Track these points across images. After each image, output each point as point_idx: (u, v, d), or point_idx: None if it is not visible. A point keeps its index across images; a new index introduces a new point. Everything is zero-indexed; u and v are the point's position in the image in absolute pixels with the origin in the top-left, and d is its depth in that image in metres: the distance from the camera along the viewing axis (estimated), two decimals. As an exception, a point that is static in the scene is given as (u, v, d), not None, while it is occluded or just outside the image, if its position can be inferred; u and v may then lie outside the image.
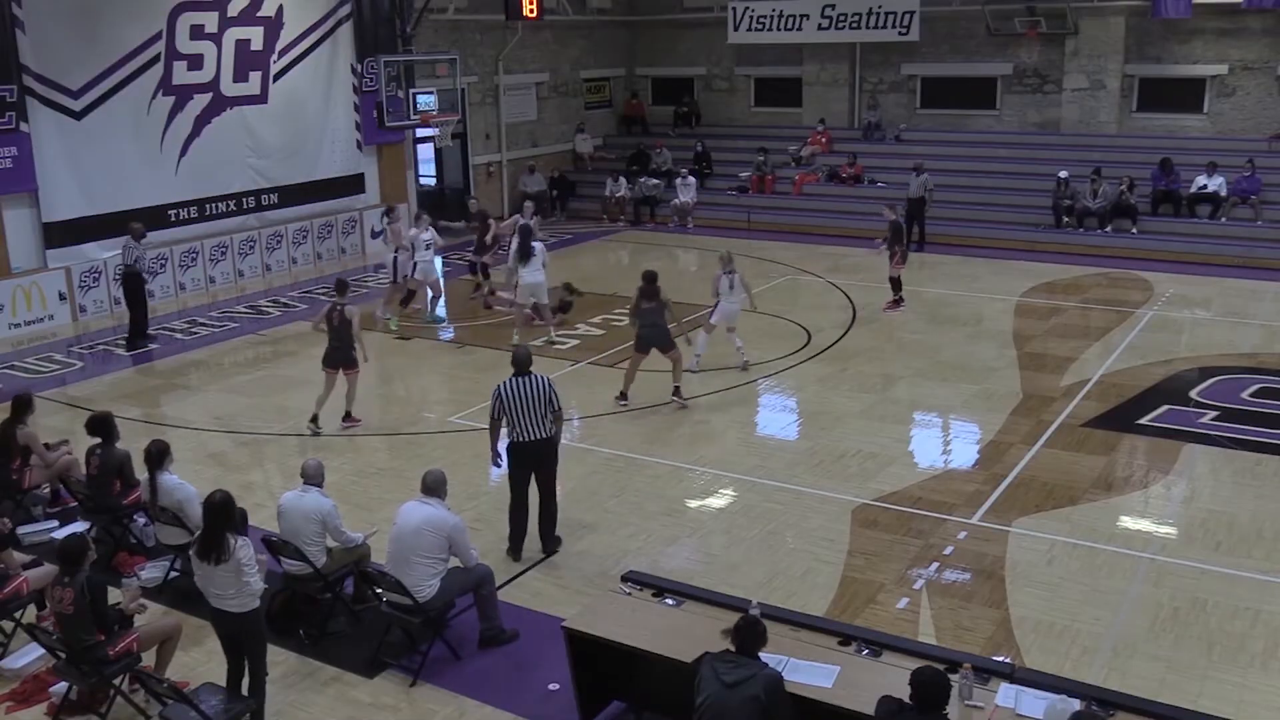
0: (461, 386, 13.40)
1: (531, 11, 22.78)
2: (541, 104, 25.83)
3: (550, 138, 26.10)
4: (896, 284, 16.23)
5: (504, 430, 8.72)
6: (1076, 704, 5.27)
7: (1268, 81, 21.31)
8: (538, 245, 14.86)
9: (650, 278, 12.19)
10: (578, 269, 18.95)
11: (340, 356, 11.55)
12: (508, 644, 7.59)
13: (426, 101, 20.89)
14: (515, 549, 8.85)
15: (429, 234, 15.82)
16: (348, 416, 11.82)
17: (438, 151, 23.32)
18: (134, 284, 15.21)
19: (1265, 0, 20.34)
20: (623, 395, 12.39)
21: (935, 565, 8.62)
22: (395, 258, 15.95)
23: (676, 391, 12.37)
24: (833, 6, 24.04)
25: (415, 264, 15.75)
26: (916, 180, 20.34)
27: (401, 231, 16.18)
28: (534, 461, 8.74)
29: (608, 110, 28.06)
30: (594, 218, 24.34)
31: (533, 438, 8.63)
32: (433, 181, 24.02)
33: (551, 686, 7.08)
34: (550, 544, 8.92)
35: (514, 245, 15.54)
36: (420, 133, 22.06)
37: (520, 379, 8.64)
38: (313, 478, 7.74)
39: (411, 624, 7.42)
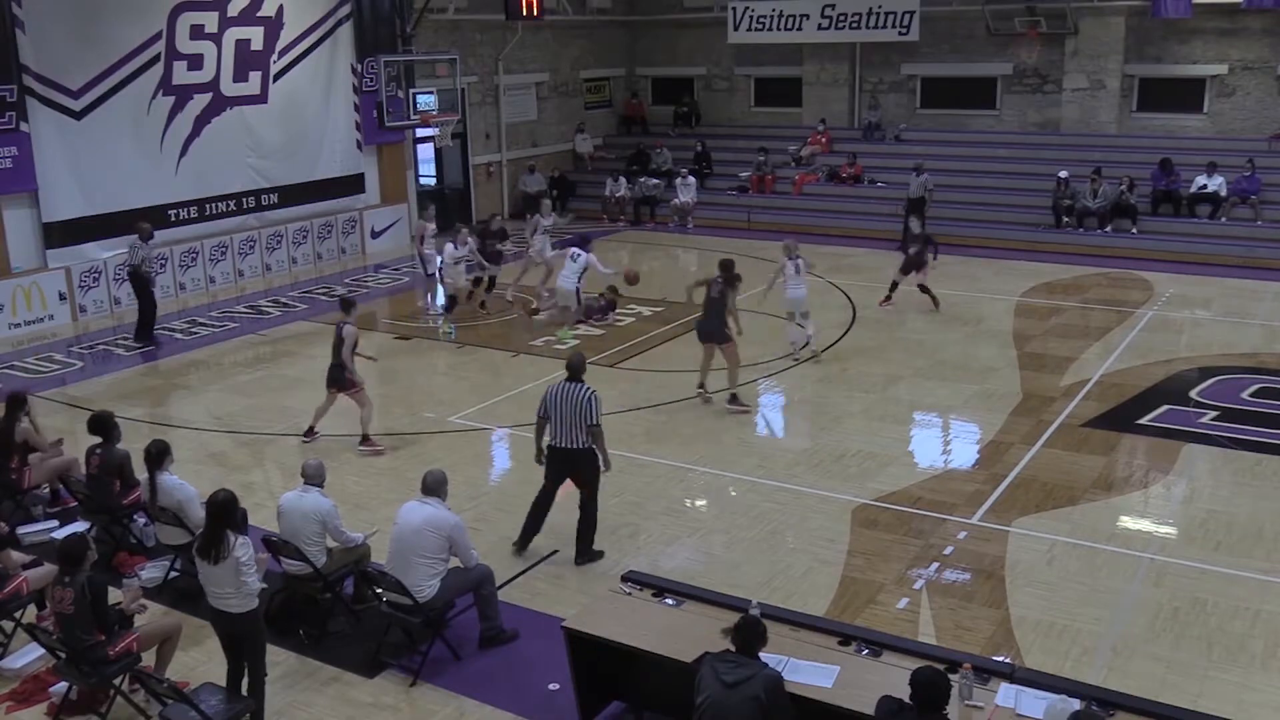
0: (462, 387, 13.40)
1: (532, 11, 22.79)
2: (541, 104, 25.83)
3: (550, 138, 26.10)
4: (894, 286, 16.28)
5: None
6: (1076, 704, 5.26)
7: (1268, 81, 21.31)
8: (582, 254, 14.75)
9: (726, 266, 12.23)
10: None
11: (336, 376, 11.20)
12: (508, 644, 7.59)
13: (426, 101, 20.93)
14: (522, 543, 8.85)
15: (463, 250, 15.65)
16: (365, 440, 11.21)
17: (438, 151, 23.29)
18: (140, 284, 15.27)
19: (1265, 0, 20.35)
20: (701, 386, 12.43)
21: (935, 565, 8.62)
22: (423, 254, 16.06)
23: (734, 399, 12.15)
24: (833, 6, 24.02)
25: (442, 274, 15.82)
26: (917, 180, 20.34)
27: (425, 231, 16.16)
28: (565, 468, 8.72)
29: (608, 110, 28.05)
30: (594, 218, 24.29)
31: (565, 445, 8.60)
32: (433, 181, 24.01)
33: (551, 686, 7.09)
34: (582, 555, 8.76)
35: (539, 244, 15.88)
36: (420, 133, 22.08)
37: (568, 384, 8.62)
38: (313, 478, 7.74)
39: (411, 624, 7.43)
